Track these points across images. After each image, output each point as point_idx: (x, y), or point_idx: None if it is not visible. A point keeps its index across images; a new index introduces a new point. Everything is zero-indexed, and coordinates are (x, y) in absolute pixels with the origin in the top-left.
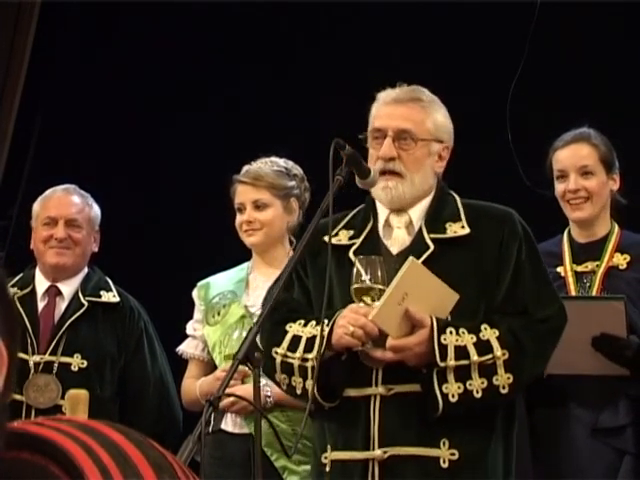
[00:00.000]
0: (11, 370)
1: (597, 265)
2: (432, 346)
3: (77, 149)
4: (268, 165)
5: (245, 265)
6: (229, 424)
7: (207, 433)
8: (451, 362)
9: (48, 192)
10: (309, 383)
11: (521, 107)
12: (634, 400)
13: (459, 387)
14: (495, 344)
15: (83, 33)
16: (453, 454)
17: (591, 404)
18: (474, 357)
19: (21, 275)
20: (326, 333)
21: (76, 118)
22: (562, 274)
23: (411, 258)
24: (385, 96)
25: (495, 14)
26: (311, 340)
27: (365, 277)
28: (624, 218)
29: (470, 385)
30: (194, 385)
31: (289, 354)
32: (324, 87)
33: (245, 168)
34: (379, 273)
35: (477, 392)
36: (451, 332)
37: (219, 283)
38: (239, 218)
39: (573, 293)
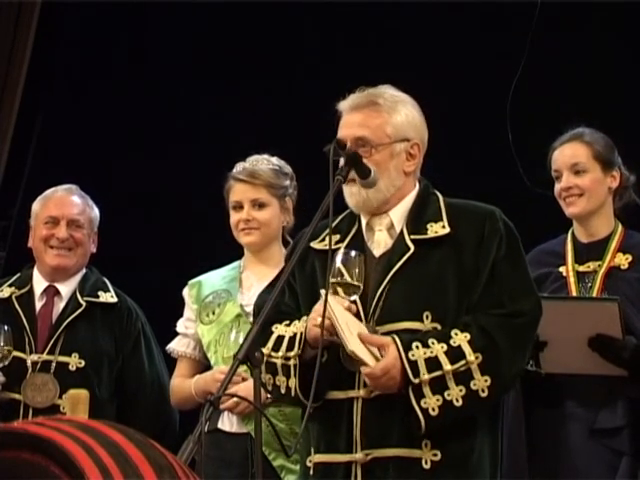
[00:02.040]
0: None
1: (599, 265)
2: (402, 364)
3: (77, 149)
4: (264, 164)
5: (236, 264)
6: (226, 423)
7: (206, 432)
8: (425, 376)
9: (49, 192)
10: (292, 382)
11: (521, 107)
12: (632, 401)
13: (437, 399)
14: (467, 349)
15: (83, 33)
16: (435, 455)
17: (589, 404)
18: (447, 366)
19: (18, 275)
20: (304, 329)
21: (76, 118)
22: (564, 274)
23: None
24: (343, 105)
25: (495, 14)
26: (293, 339)
27: (343, 273)
28: (630, 217)
29: (449, 395)
30: (185, 384)
31: (273, 354)
32: (324, 87)
33: (240, 166)
34: (357, 270)
35: (457, 401)
36: (417, 346)
37: (211, 282)
38: (235, 216)
39: (574, 293)
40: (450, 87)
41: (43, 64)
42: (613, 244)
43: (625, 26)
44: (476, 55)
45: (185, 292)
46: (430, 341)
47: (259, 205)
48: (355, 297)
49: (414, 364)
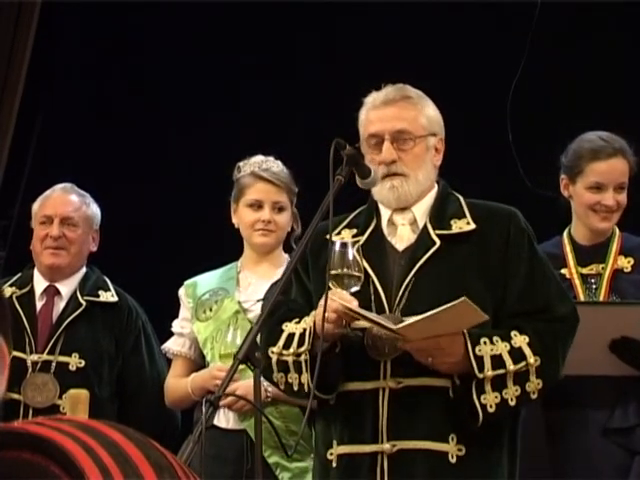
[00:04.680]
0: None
1: (602, 267)
2: (468, 357)
3: (77, 149)
4: (280, 166)
5: (232, 265)
6: (222, 420)
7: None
8: (489, 372)
9: (47, 192)
10: (304, 377)
11: (522, 107)
12: None
13: (496, 397)
14: (527, 351)
15: (83, 33)
16: (460, 449)
17: (602, 405)
18: (510, 366)
19: (19, 275)
20: (312, 324)
21: (76, 118)
22: (567, 276)
23: (464, 299)
24: (373, 100)
25: (495, 14)
26: (303, 335)
27: (341, 264)
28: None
29: (506, 394)
30: (180, 383)
31: (284, 352)
32: (324, 87)
33: (255, 164)
34: (356, 261)
35: (511, 400)
36: (485, 342)
37: (207, 281)
38: (253, 215)
39: (581, 295)
40: (450, 87)
41: (43, 64)
42: (614, 247)
43: (625, 26)
44: (476, 55)
45: (181, 292)
46: (495, 338)
47: (279, 208)
48: (356, 288)
49: (480, 359)
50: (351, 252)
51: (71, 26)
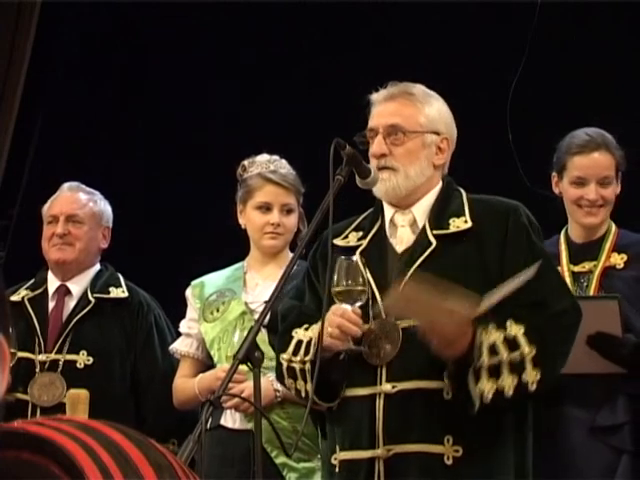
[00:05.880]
0: (10, 367)
1: (594, 265)
2: (472, 344)
3: (77, 149)
4: (287, 167)
5: (239, 265)
6: (229, 420)
7: (206, 430)
8: (485, 361)
9: (57, 192)
10: (308, 386)
11: (522, 106)
12: (632, 398)
13: (492, 386)
14: (522, 340)
15: (83, 33)
16: (457, 450)
17: (589, 403)
18: (504, 355)
19: (34, 280)
20: (316, 335)
21: (76, 118)
22: None
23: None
24: (377, 96)
25: (495, 14)
26: (309, 343)
27: (344, 280)
28: (620, 216)
29: (502, 382)
30: (187, 383)
31: (293, 359)
32: (324, 86)
33: (263, 164)
34: (358, 275)
35: (509, 389)
36: (480, 332)
37: (214, 282)
38: (262, 218)
39: None
40: (450, 87)
41: (43, 64)
42: (608, 244)
43: (625, 25)
44: (476, 55)
45: (188, 292)
46: (490, 326)
47: (287, 211)
48: (361, 302)
49: (479, 346)
50: (354, 266)
51: (71, 26)
